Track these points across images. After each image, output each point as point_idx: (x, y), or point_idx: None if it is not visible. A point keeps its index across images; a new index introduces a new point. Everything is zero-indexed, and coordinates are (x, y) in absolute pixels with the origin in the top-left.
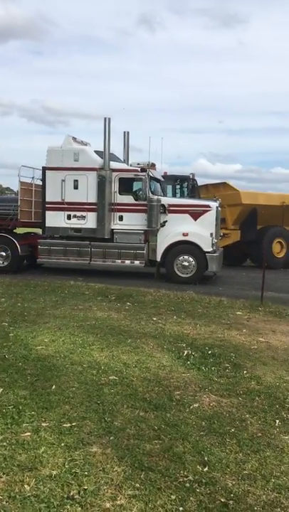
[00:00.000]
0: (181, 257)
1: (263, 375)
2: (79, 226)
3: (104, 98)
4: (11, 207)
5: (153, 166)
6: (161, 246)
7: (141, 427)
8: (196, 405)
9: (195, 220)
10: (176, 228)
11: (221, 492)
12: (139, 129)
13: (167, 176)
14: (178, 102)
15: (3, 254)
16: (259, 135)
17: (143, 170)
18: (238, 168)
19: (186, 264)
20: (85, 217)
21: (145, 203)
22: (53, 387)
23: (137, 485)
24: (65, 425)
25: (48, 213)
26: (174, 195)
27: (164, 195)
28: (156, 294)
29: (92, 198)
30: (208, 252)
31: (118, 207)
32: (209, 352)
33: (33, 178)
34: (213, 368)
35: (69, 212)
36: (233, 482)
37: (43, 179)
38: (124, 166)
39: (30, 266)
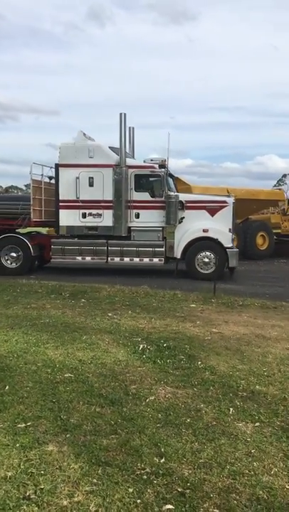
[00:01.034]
0: (203, 253)
1: (217, 364)
2: (95, 224)
3: (53, 92)
4: (22, 206)
5: (164, 162)
6: (182, 243)
7: (97, 423)
8: (152, 398)
9: (212, 215)
10: (194, 224)
11: (177, 482)
12: (90, 124)
13: None
14: (129, 97)
15: (14, 255)
16: (209, 130)
17: (162, 166)
18: (189, 163)
19: (206, 260)
20: (101, 215)
21: (162, 199)
22: (6, 387)
23: (95, 480)
24: (19, 425)
25: (61, 212)
26: None
27: (177, 191)
28: (111, 290)
29: (108, 195)
30: (228, 248)
31: (134, 204)
32: (164, 345)
33: (42, 175)
34: (168, 361)
35: (84, 211)
36: (190, 471)
37: (56, 176)
38: (139, 162)
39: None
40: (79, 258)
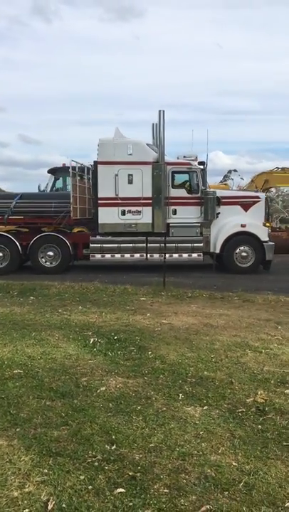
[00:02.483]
0: (241, 248)
1: (167, 354)
2: (134, 221)
3: None
4: (62, 204)
5: (196, 158)
6: (220, 238)
7: (48, 416)
8: (103, 389)
9: (246, 211)
10: (230, 220)
11: (128, 466)
12: (36, 120)
13: (66, 168)
14: (75, 93)
15: (51, 254)
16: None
17: (201, 163)
18: None
19: (244, 254)
20: (140, 212)
21: (198, 195)
22: None
23: (45, 471)
24: None
25: (100, 209)
26: None
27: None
28: (61, 287)
29: (148, 192)
30: (264, 242)
31: (171, 201)
32: (115, 337)
33: (76, 173)
34: (119, 352)
35: (123, 208)
36: (140, 456)
37: (95, 174)
38: (175, 159)
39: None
40: (118, 256)
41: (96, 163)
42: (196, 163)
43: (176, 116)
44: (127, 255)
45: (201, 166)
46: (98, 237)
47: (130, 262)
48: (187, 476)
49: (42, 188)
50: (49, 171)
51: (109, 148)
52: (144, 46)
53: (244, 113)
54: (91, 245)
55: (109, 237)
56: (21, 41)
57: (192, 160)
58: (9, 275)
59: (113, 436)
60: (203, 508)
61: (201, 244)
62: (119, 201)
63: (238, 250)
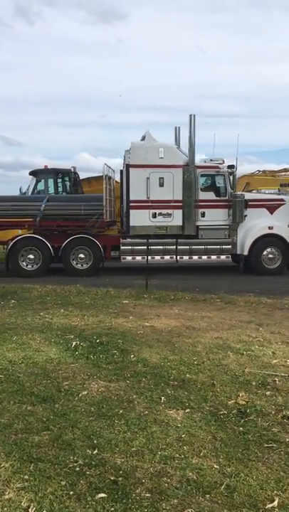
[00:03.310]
0: (268, 249)
1: (149, 357)
2: (164, 224)
3: None
4: (94, 207)
5: (223, 162)
6: (248, 240)
7: (29, 421)
8: (85, 393)
9: (271, 213)
10: (257, 222)
11: (110, 471)
12: (17, 122)
13: (48, 170)
14: (56, 96)
15: (82, 256)
16: (139, 129)
17: (231, 166)
18: (120, 162)
19: (271, 256)
20: (171, 214)
21: (226, 198)
22: None
23: (26, 477)
24: None
25: (132, 212)
26: (56, 188)
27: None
28: (43, 290)
29: (178, 195)
30: None
31: (200, 203)
32: (97, 341)
33: (106, 176)
34: (101, 356)
35: (154, 211)
36: (122, 460)
37: (127, 177)
38: (203, 162)
39: None
40: (148, 258)
41: (128, 166)
42: (223, 166)
43: (158, 119)
44: (158, 257)
45: (230, 170)
46: (129, 240)
47: (161, 264)
48: (169, 480)
49: (23, 190)
50: (31, 173)
51: (141, 152)
52: (127, 49)
53: (225, 116)
54: (122, 247)
55: (140, 240)
56: (3, 43)
57: (219, 163)
58: None
59: (95, 441)
60: None
61: (230, 246)
62: (150, 204)
63: (265, 252)
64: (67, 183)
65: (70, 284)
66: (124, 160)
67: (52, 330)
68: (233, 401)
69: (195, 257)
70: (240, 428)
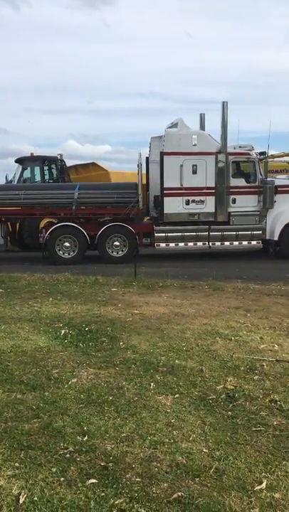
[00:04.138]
0: None
1: (138, 343)
2: (197, 211)
3: None
4: (127, 194)
5: (252, 148)
6: (278, 225)
7: (19, 409)
8: (75, 380)
9: None
10: (286, 208)
11: (100, 457)
12: (2, 109)
13: (34, 157)
14: (42, 82)
15: (118, 244)
16: (126, 116)
17: (262, 153)
18: (107, 149)
19: None
20: (203, 201)
21: (256, 184)
22: None
23: (17, 464)
24: None
25: (166, 199)
26: (43, 176)
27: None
28: (31, 278)
29: (211, 182)
30: None
31: (231, 190)
32: (86, 329)
33: (139, 164)
34: (90, 344)
35: (187, 198)
36: (112, 446)
37: (161, 164)
38: (232, 149)
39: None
40: (181, 244)
41: (162, 154)
42: (253, 152)
43: (146, 105)
44: (190, 244)
45: (260, 156)
46: (163, 227)
47: (193, 250)
48: (159, 465)
49: (9, 178)
50: (17, 161)
51: (175, 139)
52: (114, 34)
53: (212, 102)
54: (156, 234)
55: (174, 227)
56: None
57: (249, 150)
58: None
59: (85, 428)
60: (175, 495)
61: (260, 232)
62: (184, 191)
63: None
64: (54, 171)
65: (58, 272)
66: (149, 148)
67: (41, 318)
68: (221, 386)
69: (226, 243)
70: (229, 412)
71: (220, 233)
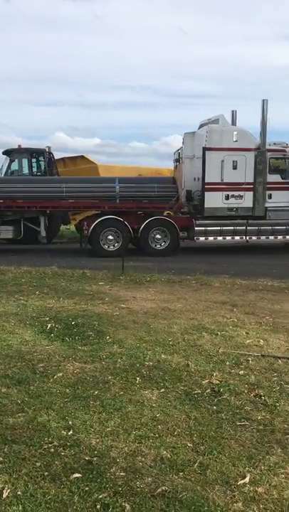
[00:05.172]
0: None
1: (125, 338)
2: (236, 206)
3: None
4: (166, 188)
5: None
6: None
7: (3, 403)
8: (60, 374)
9: None
10: None
11: (85, 451)
12: None
13: (22, 150)
14: (32, 74)
15: (159, 237)
16: (116, 109)
17: None
18: (97, 142)
19: None
20: (242, 196)
21: None
22: None
23: (0, 459)
24: None
25: (207, 194)
26: (31, 168)
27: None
28: (17, 271)
29: (249, 177)
30: None
31: (268, 185)
32: (73, 323)
33: (177, 159)
34: (76, 338)
35: (227, 193)
36: (97, 440)
37: (203, 160)
38: (270, 146)
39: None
40: (220, 238)
41: (204, 149)
42: (288, 149)
43: (136, 99)
44: (228, 237)
45: None
46: (202, 221)
47: (231, 244)
48: (143, 459)
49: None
50: (4, 153)
51: (216, 135)
52: (106, 27)
53: (201, 96)
54: (196, 228)
55: (213, 221)
56: None
57: (284, 147)
58: None
59: (70, 422)
60: (159, 490)
61: None
62: (224, 186)
63: None
64: (42, 163)
65: (45, 265)
66: (183, 143)
67: (27, 312)
68: (207, 380)
69: (263, 237)
70: (214, 407)
71: (256, 228)
